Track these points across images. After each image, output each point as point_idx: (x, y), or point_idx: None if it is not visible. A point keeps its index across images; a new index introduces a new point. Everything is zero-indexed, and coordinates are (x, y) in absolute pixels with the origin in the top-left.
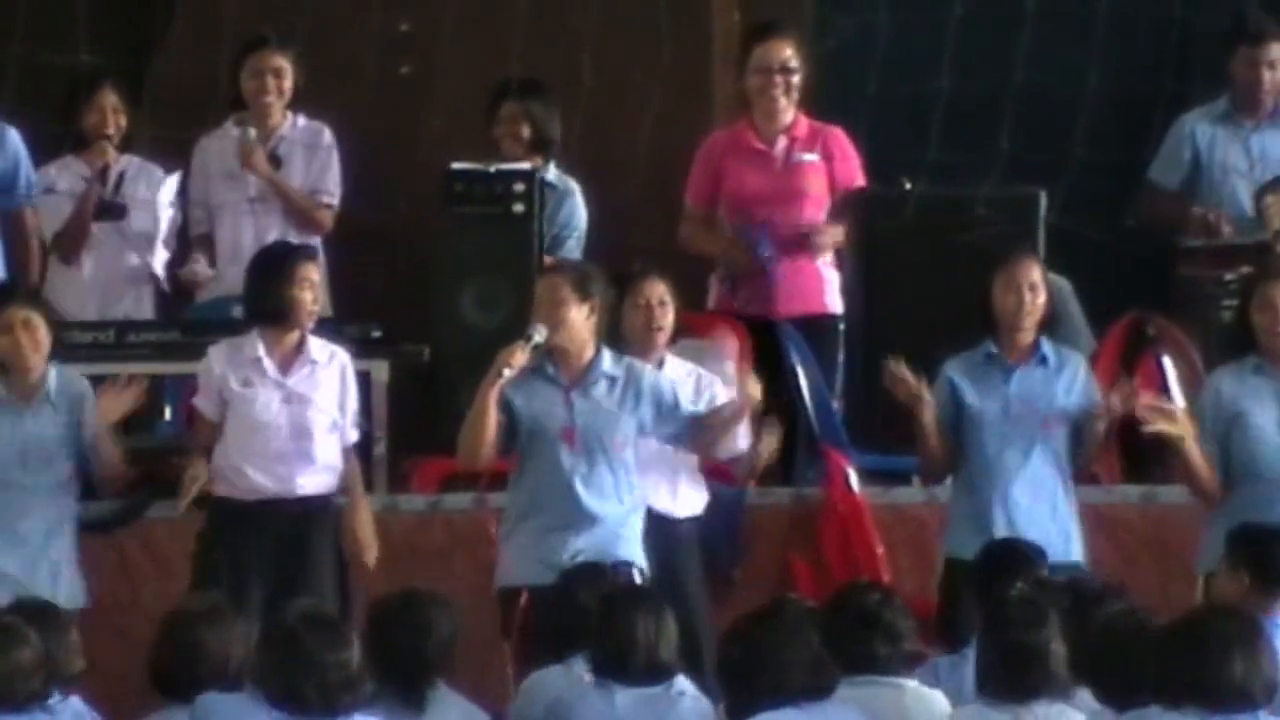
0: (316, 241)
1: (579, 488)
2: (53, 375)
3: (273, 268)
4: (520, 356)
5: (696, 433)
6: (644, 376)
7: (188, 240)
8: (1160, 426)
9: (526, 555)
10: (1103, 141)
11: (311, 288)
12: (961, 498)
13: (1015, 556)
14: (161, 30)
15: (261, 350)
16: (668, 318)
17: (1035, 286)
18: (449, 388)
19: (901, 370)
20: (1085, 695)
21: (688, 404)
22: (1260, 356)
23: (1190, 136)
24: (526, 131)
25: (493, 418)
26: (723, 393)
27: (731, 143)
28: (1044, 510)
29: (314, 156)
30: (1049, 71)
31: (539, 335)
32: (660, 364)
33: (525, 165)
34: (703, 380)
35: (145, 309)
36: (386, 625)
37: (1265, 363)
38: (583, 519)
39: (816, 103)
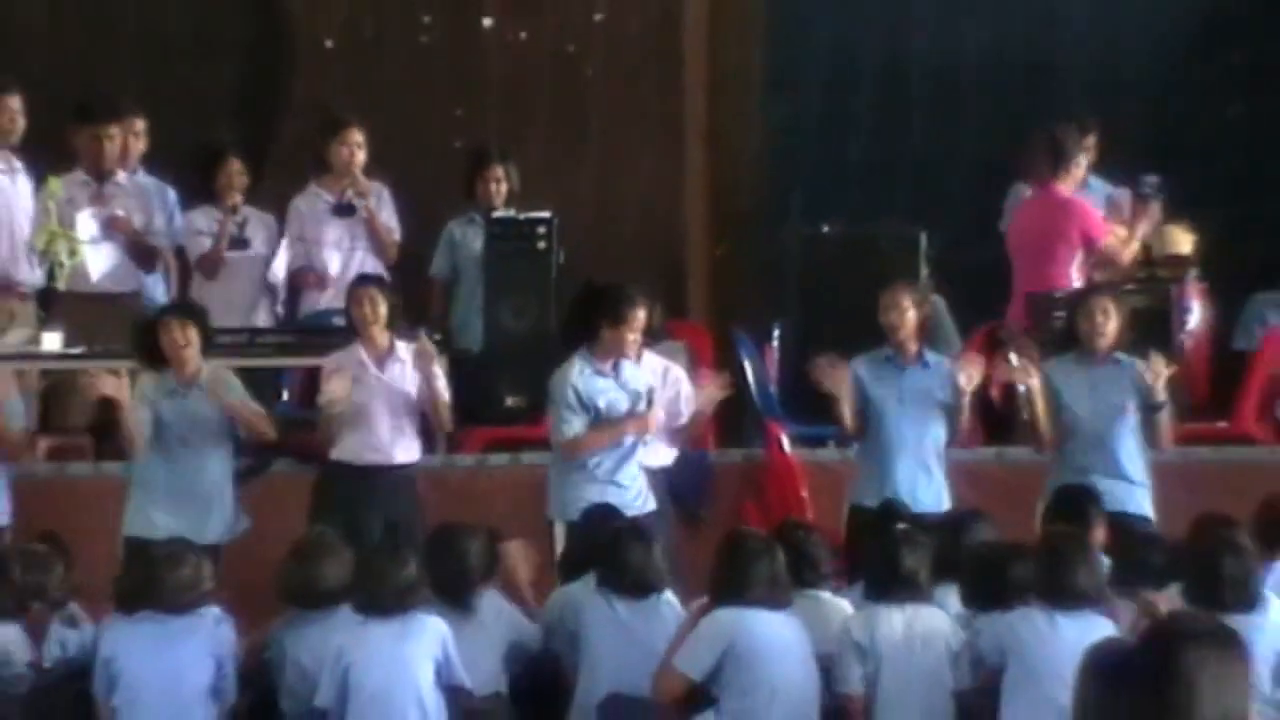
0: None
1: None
2: (205, 368)
3: (350, 293)
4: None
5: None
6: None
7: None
8: (1020, 377)
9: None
10: (970, 196)
11: (369, 303)
12: (865, 461)
13: (897, 509)
14: (281, 114)
15: (363, 353)
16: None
17: (902, 308)
18: (492, 375)
19: (826, 363)
20: (949, 598)
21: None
22: (1082, 351)
23: (1024, 196)
24: (504, 187)
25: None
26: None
27: None
28: (923, 472)
29: (382, 206)
30: (934, 143)
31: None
32: (639, 357)
33: (546, 214)
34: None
35: (262, 314)
36: (432, 550)
37: (1085, 355)
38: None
39: (761, 168)
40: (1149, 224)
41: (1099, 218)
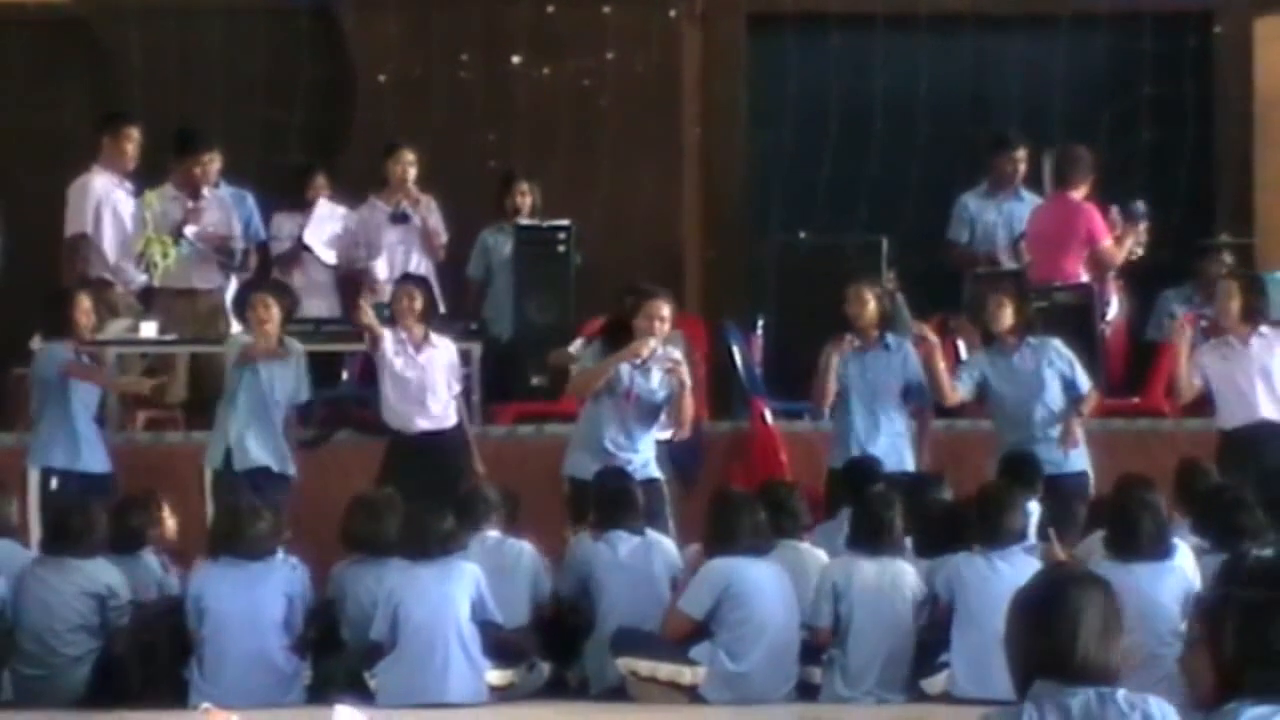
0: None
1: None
2: (288, 340)
3: (393, 289)
4: (645, 350)
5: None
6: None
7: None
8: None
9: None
10: (923, 209)
11: (407, 298)
12: (838, 431)
13: (866, 467)
14: (344, 140)
15: (405, 336)
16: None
17: (864, 302)
18: (520, 359)
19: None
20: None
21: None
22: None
23: (967, 207)
24: (530, 200)
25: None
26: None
27: None
28: (886, 438)
29: (431, 213)
30: (891, 165)
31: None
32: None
33: (565, 221)
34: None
35: (326, 304)
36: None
37: (998, 339)
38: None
39: (745, 187)
40: (1134, 238)
41: (1102, 222)
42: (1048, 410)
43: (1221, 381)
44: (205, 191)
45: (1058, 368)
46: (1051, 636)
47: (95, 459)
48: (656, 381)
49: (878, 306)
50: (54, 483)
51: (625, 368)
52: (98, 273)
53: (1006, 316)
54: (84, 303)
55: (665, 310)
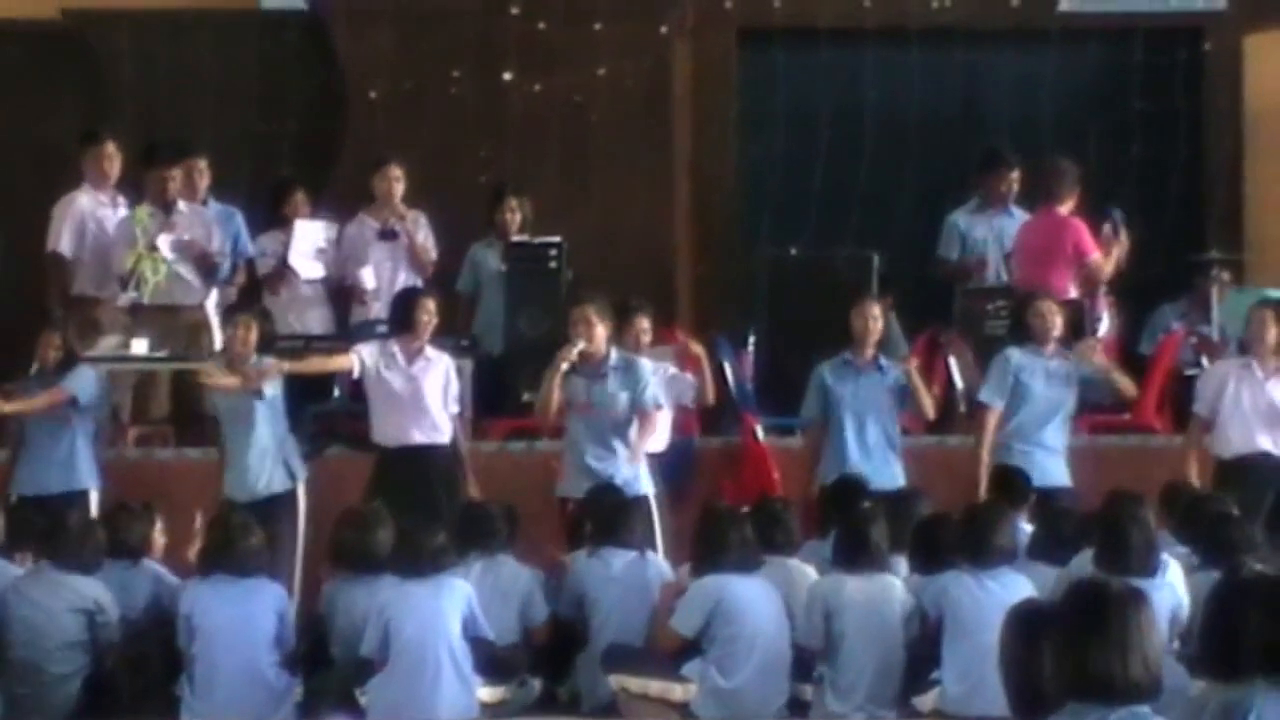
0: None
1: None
2: (254, 358)
3: (409, 300)
4: (573, 354)
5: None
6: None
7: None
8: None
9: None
10: (914, 223)
11: (428, 313)
12: (828, 449)
13: (854, 485)
14: (334, 155)
15: (396, 349)
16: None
17: (875, 317)
18: (511, 374)
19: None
20: (900, 565)
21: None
22: (1034, 342)
23: (956, 225)
24: (519, 217)
25: (557, 391)
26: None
27: None
28: (876, 456)
29: (419, 229)
30: (882, 178)
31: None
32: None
33: (557, 238)
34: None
35: (316, 319)
36: (461, 518)
37: (1036, 346)
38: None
39: (736, 200)
40: (1121, 248)
41: (1089, 235)
42: (1066, 418)
43: (1228, 407)
44: (182, 205)
45: (1077, 377)
46: (1099, 658)
47: (58, 480)
48: (612, 388)
49: (884, 324)
50: (13, 498)
51: (581, 380)
52: (86, 290)
53: (1058, 327)
54: (50, 339)
55: (590, 314)
